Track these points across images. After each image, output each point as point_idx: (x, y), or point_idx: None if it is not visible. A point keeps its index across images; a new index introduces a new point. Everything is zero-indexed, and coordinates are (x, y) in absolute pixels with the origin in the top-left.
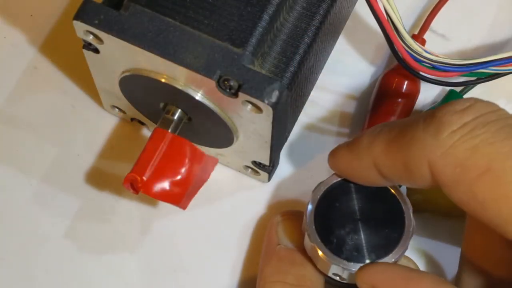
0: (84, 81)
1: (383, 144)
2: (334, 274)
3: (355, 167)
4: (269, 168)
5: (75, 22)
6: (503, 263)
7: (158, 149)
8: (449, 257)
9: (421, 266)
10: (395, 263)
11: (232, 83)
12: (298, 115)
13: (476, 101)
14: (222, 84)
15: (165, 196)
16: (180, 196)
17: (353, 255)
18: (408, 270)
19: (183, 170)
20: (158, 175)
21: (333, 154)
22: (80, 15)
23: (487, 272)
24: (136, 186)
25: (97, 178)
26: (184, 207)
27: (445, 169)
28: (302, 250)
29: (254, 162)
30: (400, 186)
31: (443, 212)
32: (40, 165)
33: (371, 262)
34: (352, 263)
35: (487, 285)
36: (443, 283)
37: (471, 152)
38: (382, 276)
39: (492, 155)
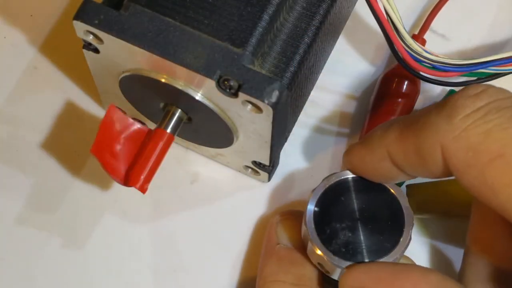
0: (84, 81)
1: (396, 132)
2: (333, 273)
3: (369, 161)
4: (269, 168)
5: (75, 22)
6: (508, 255)
7: (157, 149)
8: (449, 257)
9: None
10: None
11: (232, 83)
12: (298, 115)
13: (489, 86)
14: (222, 84)
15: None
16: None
17: (353, 255)
18: (394, 265)
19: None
20: (152, 174)
21: (347, 152)
22: (80, 15)
23: (492, 265)
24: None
25: (97, 177)
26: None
27: (457, 153)
28: (302, 250)
29: (254, 162)
30: (400, 185)
31: (443, 212)
32: (40, 164)
33: (352, 264)
34: (351, 263)
35: (492, 278)
36: (431, 272)
37: (484, 137)
38: (367, 276)
39: (505, 141)
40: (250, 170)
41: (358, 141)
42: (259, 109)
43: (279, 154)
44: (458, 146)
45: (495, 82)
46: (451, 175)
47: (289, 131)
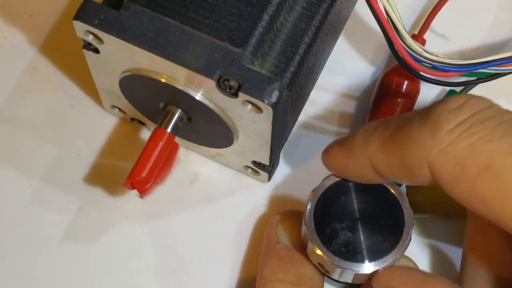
0: (84, 81)
1: (379, 143)
2: (333, 273)
3: (351, 166)
4: (269, 168)
5: (75, 22)
6: (506, 262)
7: (158, 149)
8: (449, 257)
9: (421, 266)
10: (394, 263)
11: (232, 83)
12: (298, 115)
13: (470, 97)
14: (222, 84)
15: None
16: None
17: (352, 255)
18: (422, 273)
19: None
20: (152, 174)
21: (326, 153)
22: (80, 15)
23: (490, 272)
24: (140, 189)
25: (97, 177)
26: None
27: (445, 167)
28: (302, 249)
29: (254, 162)
30: (400, 185)
31: (443, 212)
32: (40, 165)
33: (389, 266)
34: (351, 263)
35: (490, 285)
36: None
37: (470, 150)
38: (399, 279)
39: (491, 153)
40: (250, 170)
41: (337, 142)
42: (259, 109)
43: (279, 154)
44: (445, 160)
45: (495, 82)
46: (439, 185)
47: (289, 131)
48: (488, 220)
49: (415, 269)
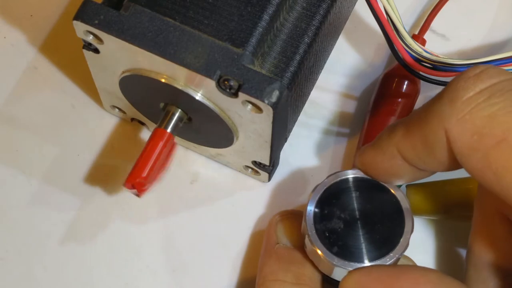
0: (84, 81)
1: (403, 129)
2: (333, 273)
3: (380, 161)
4: (269, 168)
5: (75, 22)
6: (511, 254)
7: (158, 149)
8: (449, 257)
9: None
10: (394, 263)
11: (232, 83)
12: (298, 115)
13: (488, 66)
14: (222, 84)
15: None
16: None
17: (352, 255)
18: (394, 267)
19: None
20: (152, 174)
21: (359, 154)
22: (80, 15)
23: (495, 263)
24: (140, 189)
25: (97, 177)
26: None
27: (461, 136)
28: (301, 249)
29: (254, 162)
30: (400, 186)
31: (443, 212)
32: (40, 165)
33: (353, 269)
34: (351, 263)
35: (496, 276)
36: (431, 271)
37: (488, 120)
38: (367, 278)
39: (510, 124)
40: (250, 170)
41: (369, 144)
42: (259, 109)
43: (279, 154)
44: (462, 129)
45: None
46: (459, 166)
47: (289, 131)
48: (497, 194)
49: (384, 266)
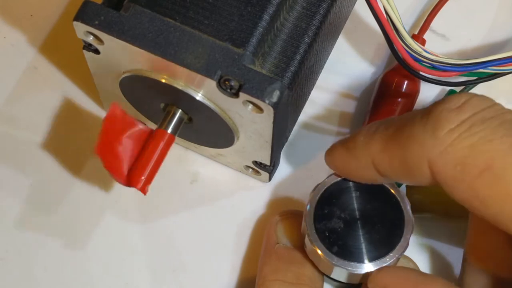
0: (84, 81)
1: (380, 143)
2: (333, 273)
3: (353, 167)
4: (270, 168)
5: (75, 23)
6: (506, 263)
7: (158, 150)
8: (449, 257)
9: (421, 266)
10: (394, 263)
11: (233, 83)
12: (299, 115)
13: (471, 96)
14: (222, 84)
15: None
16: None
17: (352, 255)
18: (418, 273)
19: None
20: (152, 175)
21: (329, 153)
22: (80, 16)
23: (490, 272)
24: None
25: (97, 177)
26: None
27: (445, 167)
28: (301, 249)
29: (255, 162)
30: (400, 185)
31: (443, 212)
32: (40, 165)
33: (385, 266)
34: (351, 263)
35: (491, 285)
36: (453, 286)
37: (470, 150)
38: (394, 279)
39: (492, 153)
40: (251, 170)
41: (340, 142)
42: (260, 109)
43: (279, 154)
44: (446, 161)
45: (495, 82)
46: (439, 185)
47: (290, 131)
48: (488, 221)
49: (410, 269)
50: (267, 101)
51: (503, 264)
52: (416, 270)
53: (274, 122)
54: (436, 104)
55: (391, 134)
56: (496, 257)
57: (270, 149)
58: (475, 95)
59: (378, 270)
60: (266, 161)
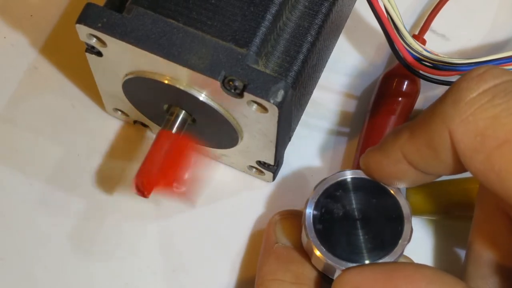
0: (85, 82)
1: (407, 133)
2: (332, 274)
3: (386, 165)
4: (274, 168)
5: (78, 25)
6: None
7: (163, 151)
8: (449, 257)
9: None
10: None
11: (237, 84)
12: (302, 114)
13: (491, 67)
14: (227, 85)
15: (172, 194)
16: (187, 193)
17: (352, 256)
18: (388, 264)
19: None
20: (164, 176)
21: (364, 157)
22: (83, 19)
23: (494, 260)
24: (143, 190)
25: (97, 177)
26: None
27: (464, 137)
28: (300, 249)
29: (259, 162)
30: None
31: (443, 212)
32: (40, 165)
33: (346, 268)
34: (350, 263)
35: (494, 274)
36: (425, 267)
37: (491, 122)
38: (361, 276)
39: None
40: (254, 170)
41: (375, 147)
42: (264, 109)
43: (283, 153)
44: (465, 130)
45: None
46: (464, 169)
47: (293, 130)
48: (500, 195)
49: (377, 264)
50: (272, 101)
51: (507, 251)
52: (383, 263)
53: (279, 122)
54: (457, 80)
55: (416, 122)
56: (501, 243)
57: (275, 148)
58: (496, 67)
59: (339, 276)
60: (270, 160)
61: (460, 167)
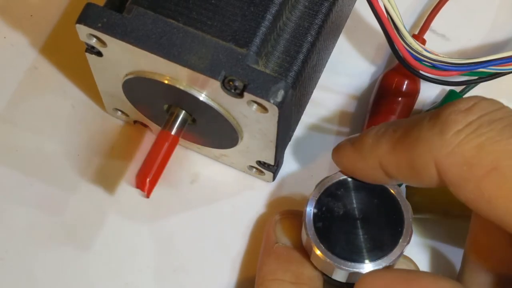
0: (85, 82)
1: (389, 145)
2: (333, 273)
3: (361, 167)
4: (274, 168)
5: (78, 25)
6: (508, 261)
7: (163, 151)
8: (449, 257)
9: (421, 266)
10: (393, 263)
11: (237, 84)
12: (302, 114)
13: (480, 99)
14: (227, 85)
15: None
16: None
17: (352, 255)
18: (407, 272)
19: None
20: (157, 175)
21: (337, 151)
22: (83, 19)
23: (491, 270)
24: (144, 190)
25: (97, 178)
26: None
27: (452, 168)
28: (300, 249)
29: (259, 162)
30: (399, 185)
31: (443, 212)
32: (40, 165)
33: (370, 271)
34: (350, 263)
35: (491, 283)
36: (442, 279)
37: (477, 151)
38: (381, 282)
39: (498, 153)
40: (254, 170)
41: (348, 142)
42: (264, 109)
43: (283, 153)
44: (452, 161)
45: (496, 82)
46: (446, 186)
47: (293, 130)
48: (493, 221)
49: (397, 270)
50: (272, 101)
51: (504, 261)
52: (403, 269)
53: (279, 122)
54: (445, 106)
55: (399, 136)
56: (498, 255)
57: (275, 148)
58: (485, 98)
59: (362, 277)
60: (270, 160)
61: (439, 185)
